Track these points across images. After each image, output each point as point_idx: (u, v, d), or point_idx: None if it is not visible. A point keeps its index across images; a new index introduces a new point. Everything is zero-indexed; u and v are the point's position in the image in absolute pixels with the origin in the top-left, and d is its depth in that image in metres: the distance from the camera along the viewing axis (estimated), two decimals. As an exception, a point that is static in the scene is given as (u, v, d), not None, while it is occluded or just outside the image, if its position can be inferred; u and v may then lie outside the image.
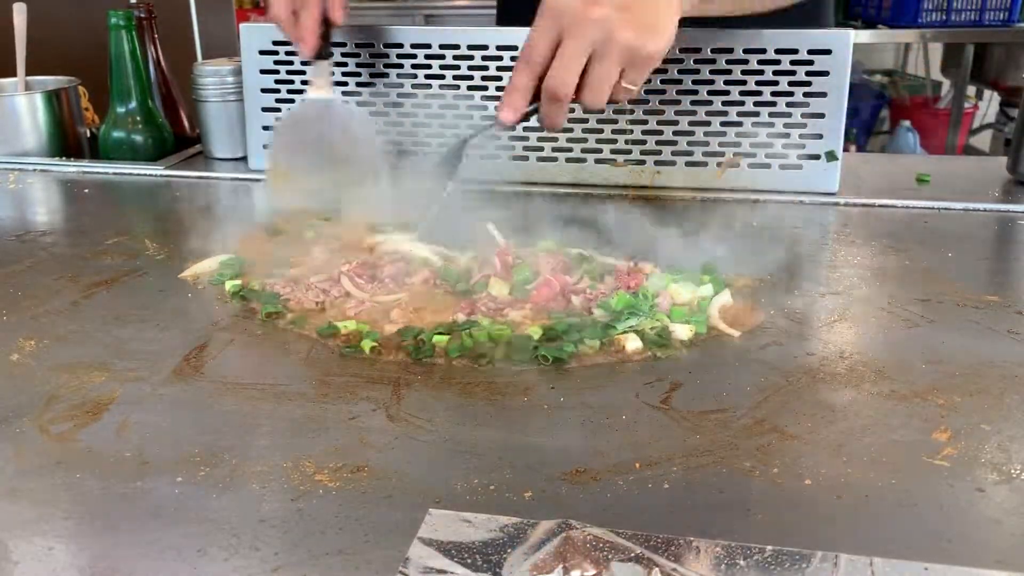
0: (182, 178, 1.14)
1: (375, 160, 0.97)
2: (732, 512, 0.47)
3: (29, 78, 1.24)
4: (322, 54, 0.94)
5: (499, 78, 1.04)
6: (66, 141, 1.22)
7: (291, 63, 1.08)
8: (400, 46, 1.05)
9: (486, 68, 1.04)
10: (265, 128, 1.11)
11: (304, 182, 0.96)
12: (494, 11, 1.29)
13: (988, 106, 3.68)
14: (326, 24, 0.93)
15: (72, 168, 1.17)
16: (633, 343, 0.65)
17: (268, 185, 1.02)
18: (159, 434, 0.55)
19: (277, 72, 1.09)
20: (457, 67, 1.05)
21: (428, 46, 1.04)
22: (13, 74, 1.23)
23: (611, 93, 0.73)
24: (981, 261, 0.85)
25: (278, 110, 1.10)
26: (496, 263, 0.75)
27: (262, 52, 1.09)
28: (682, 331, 0.67)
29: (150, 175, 1.14)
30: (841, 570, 0.41)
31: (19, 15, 1.20)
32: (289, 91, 1.09)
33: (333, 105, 0.98)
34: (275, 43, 1.08)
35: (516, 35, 1.02)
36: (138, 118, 1.18)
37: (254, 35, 1.09)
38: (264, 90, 1.10)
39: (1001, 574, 0.41)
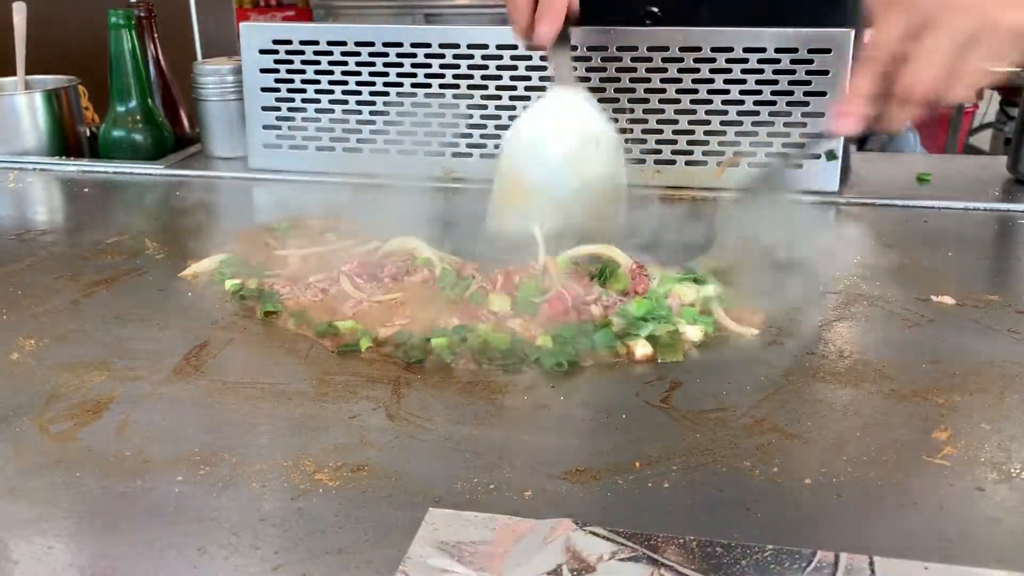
0: (182, 177, 1.14)
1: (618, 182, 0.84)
2: (732, 511, 0.47)
3: (29, 77, 1.24)
4: (560, 41, 0.81)
5: (499, 77, 1.04)
6: (66, 140, 1.22)
7: (291, 62, 1.08)
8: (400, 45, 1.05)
9: (486, 67, 1.04)
10: (265, 127, 1.11)
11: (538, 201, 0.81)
12: (493, 10, 1.29)
13: (988, 105, 3.68)
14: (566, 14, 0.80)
15: (72, 167, 1.17)
16: (643, 348, 0.64)
17: (494, 202, 0.85)
18: (159, 433, 0.55)
19: (277, 71, 1.09)
20: (457, 66, 1.05)
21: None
22: (13, 73, 1.23)
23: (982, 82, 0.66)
24: (981, 260, 0.85)
25: (278, 109, 1.10)
26: (498, 278, 0.71)
27: (262, 51, 1.09)
28: (693, 332, 0.66)
29: (150, 174, 1.14)
30: (841, 569, 0.41)
31: (19, 14, 1.20)
32: (289, 90, 1.09)
33: (583, 104, 0.83)
34: (275, 42, 1.08)
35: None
36: (138, 117, 1.18)
37: (254, 34, 1.09)
38: (264, 89, 1.10)
39: (1001, 573, 0.41)
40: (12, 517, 0.47)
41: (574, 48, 0.94)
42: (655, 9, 1.06)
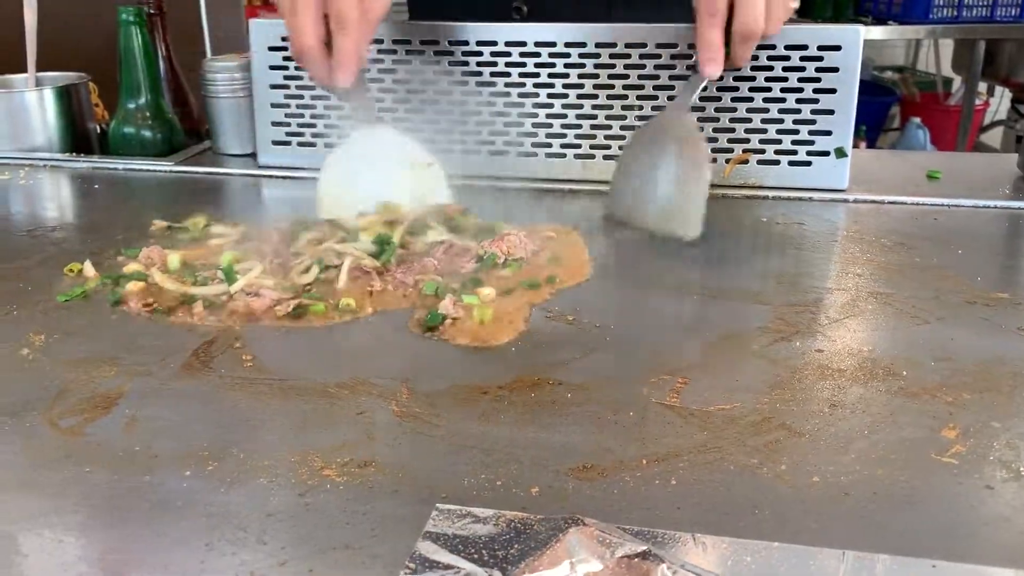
0: (191, 174, 1.14)
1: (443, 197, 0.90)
2: (739, 509, 0.47)
3: (39, 74, 1.24)
4: (357, 86, 0.86)
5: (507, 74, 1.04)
6: (76, 137, 1.22)
7: (300, 59, 1.08)
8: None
9: (495, 64, 1.04)
10: (274, 124, 1.11)
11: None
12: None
13: (999, 103, 3.66)
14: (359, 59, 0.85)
15: (82, 164, 1.17)
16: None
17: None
18: (167, 428, 0.55)
19: (286, 68, 1.09)
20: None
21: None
22: (24, 70, 1.23)
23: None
24: (991, 258, 0.85)
25: (287, 106, 1.10)
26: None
27: (271, 48, 1.09)
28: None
29: (160, 171, 1.15)
30: (848, 567, 0.41)
31: (30, 11, 1.20)
32: (298, 87, 1.09)
33: (387, 135, 0.91)
34: (285, 39, 1.08)
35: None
36: (148, 114, 1.18)
37: (263, 31, 1.09)
38: (273, 86, 1.10)
39: (1010, 572, 0.41)
40: (22, 511, 0.47)
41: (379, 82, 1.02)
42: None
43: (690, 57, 1.00)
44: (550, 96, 1.04)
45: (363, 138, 0.90)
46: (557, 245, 0.84)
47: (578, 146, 1.05)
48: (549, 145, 1.06)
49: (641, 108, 1.03)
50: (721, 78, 0.89)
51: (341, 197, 0.88)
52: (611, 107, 1.03)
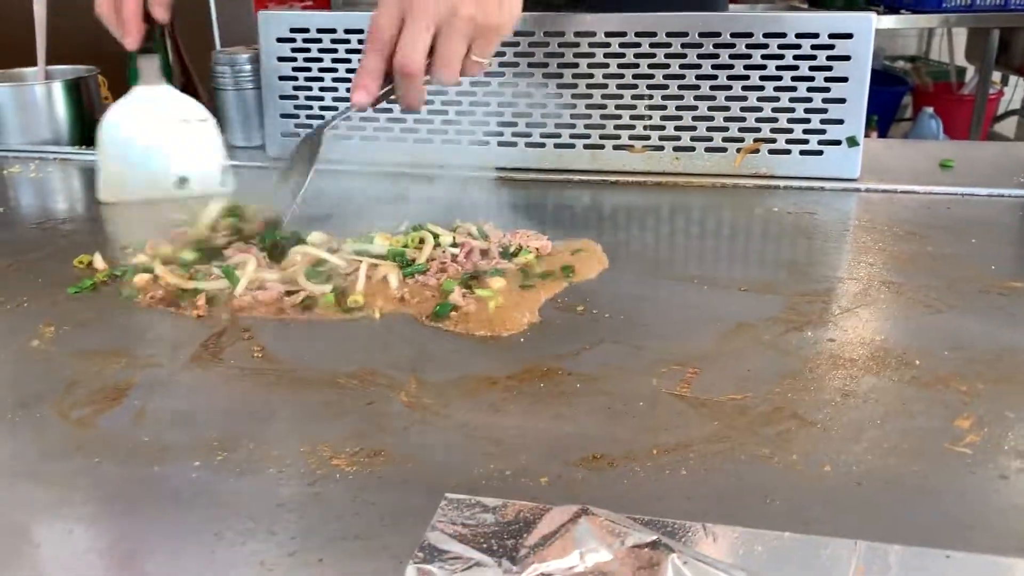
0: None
1: (217, 152, 0.99)
2: (750, 499, 0.47)
3: (49, 67, 1.25)
4: (148, 48, 0.93)
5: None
6: (86, 130, 1.22)
7: (309, 50, 1.08)
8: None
9: (503, 54, 1.04)
10: (284, 116, 1.11)
11: (140, 176, 0.97)
12: None
13: (1013, 92, 3.63)
14: (149, 21, 0.91)
15: (91, 156, 1.17)
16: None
17: (100, 180, 0.99)
18: (177, 419, 0.55)
19: (295, 60, 1.09)
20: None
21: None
22: (34, 63, 1.24)
23: (463, 67, 0.76)
24: (1005, 247, 0.84)
25: (296, 98, 1.10)
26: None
27: (280, 40, 1.09)
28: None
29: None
30: (860, 557, 0.41)
31: (39, 5, 1.20)
32: (307, 79, 1.09)
33: (166, 94, 0.98)
34: (293, 30, 1.08)
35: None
36: (157, 106, 1.18)
37: (272, 23, 1.09)
38: (282, 78, 1.10)
39: (1024, 562, 0.41)
40: (33, 501, 0.48)
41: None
42: None
43: (701, 45, 0.99)
44: (560, 86, 1.04)
45: (139, 96, 0.97)
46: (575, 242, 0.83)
47: (587, 136, 1.05)
48: (558, 136, 1.05)
49: (651, 97, 1.02)
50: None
51: (117, 153, 0.97)
52: (621, 96, 1.03)
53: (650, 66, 1.01)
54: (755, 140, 1.02)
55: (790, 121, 1.00)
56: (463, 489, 0.47)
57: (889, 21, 2.90)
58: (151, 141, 0.97)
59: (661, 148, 1.04)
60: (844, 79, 0.98)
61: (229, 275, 0.72)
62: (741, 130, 1.02)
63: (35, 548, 0.44)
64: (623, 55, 1.01)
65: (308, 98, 1.10)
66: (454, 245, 0.78)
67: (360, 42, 1.06)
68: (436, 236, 0.79)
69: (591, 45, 1.02)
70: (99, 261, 0.79)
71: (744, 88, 1.00)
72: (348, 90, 1.07)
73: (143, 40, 0.91)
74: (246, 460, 0.51)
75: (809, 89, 0.99)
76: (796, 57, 0.98)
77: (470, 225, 0.82)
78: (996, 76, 3.40)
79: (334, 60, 1.08)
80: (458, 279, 0.73)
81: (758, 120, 1.01)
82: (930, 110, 3.37)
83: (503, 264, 0.76)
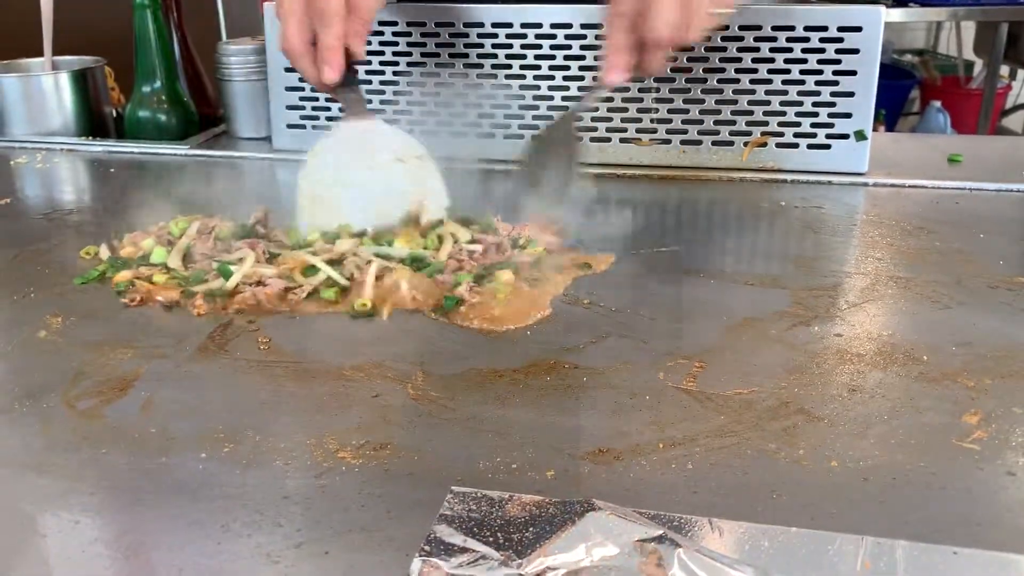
0: (207, 157, 1.14)
1: (439, 191, 0.84)
2: (756, 494, 0.47)
3: (56, 58, 1.25)
4: (348, 81, 0.82)
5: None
6: (92, 121, 1.22)
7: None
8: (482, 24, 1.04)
9: (510, 46, 1.03)
10: (289, 108, 1.11)
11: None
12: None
13: (1022, 86, 3.61)
14: (347, 55, 0.80)
15: (98, 147, 1.18)
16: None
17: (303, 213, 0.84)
18: (183, 411, 0.56)
19: (301, 51, 1.09)
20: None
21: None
22: (40, 54, 1.24)
23: (711, 23, 0.76)
24: (1014, 242, 0.83)
25: (302, 89, 1.10)
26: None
27: (286, 31, 1.08)
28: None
29: (175, 154, 1.15)
30: (867, 553, 0.41)
31: (46, -5, 1.20)
32: (313, 70, 1.09)
33: (376, 130, 0.86)
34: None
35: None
36: (163, 97, 1.18)
37: (278, 14, 1.09)
38: (288, 69, 1.10)
39: (1032, 559, 0.41)
40: (39, 492, 0.48)
41: (367, 82, 1.01)
42: None
43: (709, 38, 0.98)
44: (566, 79, 1.03)
45: (349, 130, 0.85)
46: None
47: (594, 129, 1.05)
48: (565, 128, 1.05)
49: (658, 90, 1.02)
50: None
51: (325, 196, 0.82)
52: (627, 89, 1.02)
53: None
54: (763, 134, 1.01)
55: (798, 115, 1.00)
56: (469, 482, 0.47)
57: (898, 14, 2.89)
58: (364, 182, 0.82)
59: (668, 141, 1.03)
60: (852, 73, 0.97)
61: (224, 271, 0.71)
62: (749, 124, 1.01)
63: (42, 538, 0.44)
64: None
65: (314, 90, 1.10)
66: (472, 241, 0.77)
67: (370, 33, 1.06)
68: (454, 236, 0.77)
69: (598, 37, 1.01)
70: (105, 252, 0.79)
71: (752, 81, 1.00)
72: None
73: (344, 72, 0.81)
74: (252, 452, 0.51)
75: (817, 83, 0.98)
76: (804, 50, 0.98)
77: (483, 220, 0.81)
78: (1004, 70, 3.38)
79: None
80: (471, 274, 0.72)
81: (766, 114, 1.00)
82: (938, 104, 3.35)
83: (518, 257, 0.76)
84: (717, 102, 1.01)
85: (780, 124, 1.00)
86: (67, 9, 1.25)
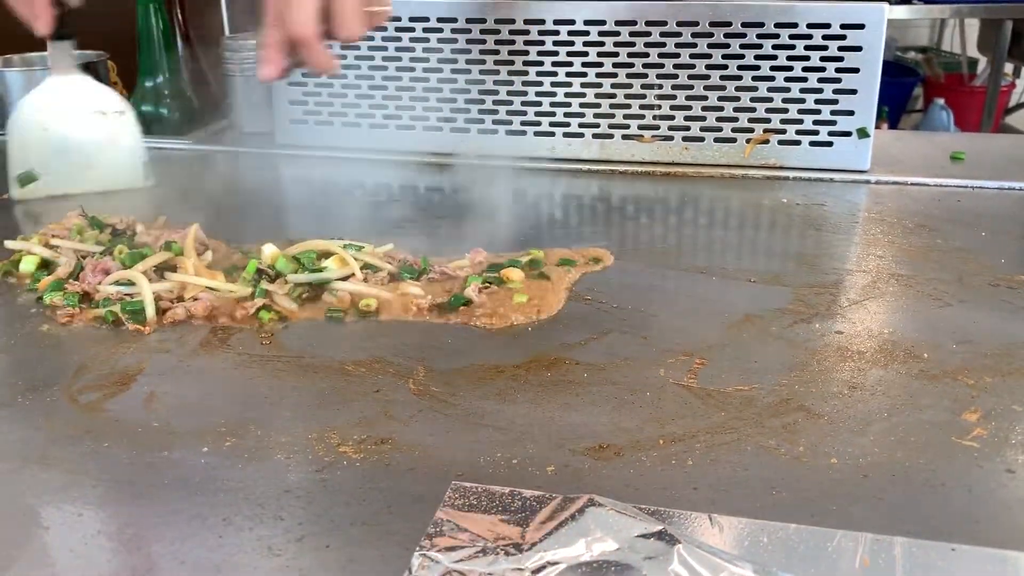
0: (210, 152, 1.14)
1: (136, 145, 0.97)
2: (756, 490, 0.47)
3: (59, 52, 1.24)
4: (61, 34, 0.88)
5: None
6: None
7: (318, 37, 1.08)
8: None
9: (512, 42, 1.03)
10: (292, 103, 1.11)
11: (55, 170, 0.94)
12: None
13: (1025, 85, 3.59)
14: (60, 5, 0.85)
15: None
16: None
17: (10, 174, 0.95)
18: (186, 405, 0.56)
19: (304, 46, 1.09)
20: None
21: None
22: (43, 49, 1.23)
23: (367, 20, 0.72)
24: (1016, 240, 0.83)
25: (305, 85, 1.10)
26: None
27: (289, 26, 1.08)
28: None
29: (178, 149, 1.15)
30: (866, 549, 0.41)
31: (49, -11, 1.20)
32: (316, 65, 1.09)
33: (81, 84, 0.95)
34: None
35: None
36: (166, 92, 1.18)
37: (281, 9, 1.09)
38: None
39: (1030, 556, 0.41)
40: (43, 485, 0.48)
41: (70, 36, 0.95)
42: None
43: (712, 35, 0.98)
44: (569, 75, 1.03)
45: (56, 83, 0.93)
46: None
47: (596, 125, 1.05)
48: (567, 124, 1.05)
49: (661, 87, 1.02)
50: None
51: (32, 145, 0.93)
52: (630, 85, 1.02)
53: (660, 55, 1.01)
54: (765, 131, 1.01)
55: (800, 112, 1.00)
56: (470, 477, 0.47)
57: (901, 11, 2.88)
58: (66, 133, 0.94)
59: (670, 138, 1.03)
60: (855, 70, 0.97)
61: (133, 310, 0.67)
62: (751, 120, 1.01)
63: (44, 531, 0.44)
64: (633, 44, 1.01)
65: (317, 85, 1.10)
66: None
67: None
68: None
69: (601, 34, 1.01)
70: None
71: (754, 78, 1.00)
72: (355, 76, 1.08)
73: (55, 25, 0.85)
74: (254, 446, 0.51)
75: (820, 80, 0.98)
76: (807, 47, 0.97)
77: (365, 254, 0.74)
78: (1008, 68, 3.37)
79: (343, 47, 1.07)
80: (481, 276, 0.71)
81: (768, 110, 1.00)
82: (941, 101, 3.34)
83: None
84: (720, 99, 1.01)
85: (782, 121, 1.00)
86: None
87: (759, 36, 0.98)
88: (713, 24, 0.98)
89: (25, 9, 0.84)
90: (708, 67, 1.00)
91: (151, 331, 0.66)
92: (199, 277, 0.70)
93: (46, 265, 0.75)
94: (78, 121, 0.94)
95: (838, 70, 0.98)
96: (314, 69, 0.75)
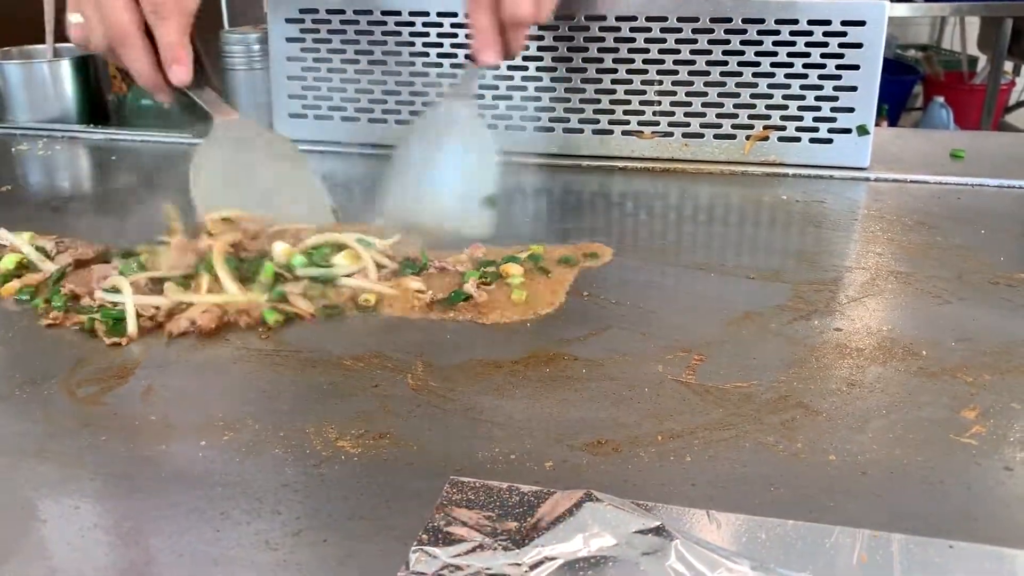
0: (208, 146, 1.14)
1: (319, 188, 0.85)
2: (754, 486, 0.47)
3: (58, 45, 1.24)
4: (199, 82, 0.78)
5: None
6: (94, 108, 1.22)
7: (317, 31, 1.08)
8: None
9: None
10: (291, 97, 1.11)
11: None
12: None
13: (1025, 83, 3.59)
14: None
15: (100, 135, 1.17)
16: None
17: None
18: (183, 399, 0.56)
19: (303, 40, 1.09)
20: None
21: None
22: (43, 41, 1.23)
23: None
24: (1015, 238, 0.83)
25: (304, 78, 1.10)
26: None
27: (288, 20, 1.08)
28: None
29: (177, 142, 1.15)
30: (863, 546, 0.41)
31: (48, -19, 1.20)
32: (316, 59, 1.09)
33: (251, 127, 0.86)
34: (301, 11, 1.08)
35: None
36: (166, 86, 1.17)
37: (281, 3, 1.09)
38: (290, 58, 1.10)
39: (1028, 553, 0.41)
40: (40, 478, 0.48)
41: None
42: None
43: (712, 31, 0.98)
44: (569, 71, 1.03)
45: (230, 127, 0.82)
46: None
47: (596, 121, 1.04)
48: (567, 120, 1.05)
49: (661, 83, 1.01)
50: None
51: (218, 194, 0.80)
52: (630, 81, 1.02)
53: (660, 51, 1.01)
54: (765, 127, 1.01)
55: (800, 109, 1.00)
56: (468, 472, 0.47)
57: (901, 9, 2.87)
58: (248, 181, 0.82)
59: (670, 134, 1.03)
60: (855, 67, 0.97)
61: (115, 320, 0.64)
62: (751, 117, 1.01)
63: (42, 524, 0.44)
64: (633, 40, 1.01)
65: (316, 79, 1.10)
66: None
67: (369, 23, 1.06)
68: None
69: (601, 29, 1.01)
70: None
71: (755, 75, 0.99)
72: (358, 71, 1.08)
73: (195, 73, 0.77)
74: (252, 440, 0.51)
75: (820, 76, 0.98)
76: (807, 44, 0.97)
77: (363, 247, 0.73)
78: (1008, 66, 3.37)
79: (343, 41, 1.07)
80: (478, 272, 0.71)
81: (768, 107, 1.00)
82: (941, 99, 3.34)
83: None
84: (719, 95, 1.01)
85: (782, 118, 1.00)
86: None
87: (759, 32, 0.98)
88: (713, 20, 0.98)
89: (141, 54, 0.74)
90: (708, 63, 1.00)
91: (128, 343, 0.63)
92: (207, 295, 0.66)
93: (26, 266, 0.73)
94: (258, 169, 0.83)
95: (838, 67, 0.97)
96: (511, 54, 0.78)
